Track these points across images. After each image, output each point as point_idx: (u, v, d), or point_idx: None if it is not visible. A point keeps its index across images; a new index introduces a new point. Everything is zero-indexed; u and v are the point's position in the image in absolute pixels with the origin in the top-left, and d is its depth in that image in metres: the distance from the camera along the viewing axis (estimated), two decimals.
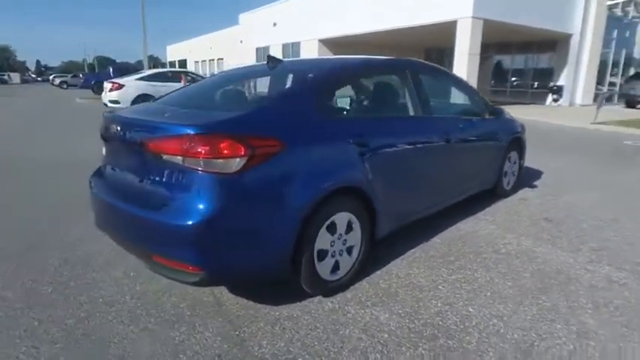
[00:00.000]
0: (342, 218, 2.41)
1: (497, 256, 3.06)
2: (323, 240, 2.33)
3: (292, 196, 2.11)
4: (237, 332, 2.13)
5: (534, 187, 5.00)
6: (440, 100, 3.29)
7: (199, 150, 1.90)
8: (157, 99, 3.03)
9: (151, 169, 2.08)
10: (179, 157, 1.95)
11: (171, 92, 3.09)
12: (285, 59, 2.91)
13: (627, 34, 21.71)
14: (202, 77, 14.06)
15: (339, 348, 2.02)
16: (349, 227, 2.48)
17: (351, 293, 2.51)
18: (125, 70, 22.55)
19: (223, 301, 2.41)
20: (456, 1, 15.35)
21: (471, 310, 2.37)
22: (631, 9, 20.53)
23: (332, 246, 2.41)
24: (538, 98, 21.27)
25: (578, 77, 20.04)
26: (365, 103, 2.97)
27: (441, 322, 2.24)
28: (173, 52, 57.26)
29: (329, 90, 2.59)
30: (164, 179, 2.02)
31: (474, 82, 16.03)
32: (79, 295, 2.47)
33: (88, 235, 3.25)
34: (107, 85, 11.92)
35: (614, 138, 9.64)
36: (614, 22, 20.27)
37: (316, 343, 2.05)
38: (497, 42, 22.03)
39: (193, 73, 13.43)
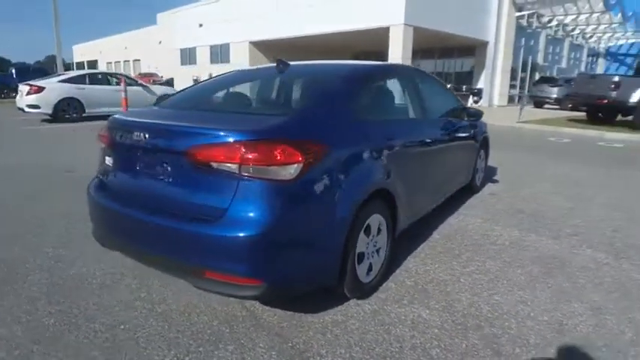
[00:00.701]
0: (374, 220, 2.45)
1: (495, 247, 3.31)
2: (361, 243, 2.35)
3: (342, 200, 2.11)
4: (289, 344, 2.06)
5: (496, 182, 5.48)
6: (434, 103, 3.48)
7: (256, 157, 1.82)
8: (161, 101, 2.81)
9: (196, 178, 1.93)
10: (233, 165, 1.84)
11: (174, 94, 2.89)
12: (292, 63, 2.87)
13: (532, 42, 24.51)
14: (135, 80, 13.15)
15: (398, 348, 2.05)
16: (379, 229, 2.53)
17: (383, 294, 2.55)
18: (27, 71, 20.28)
19: (258, 314, 2.31)
20: (388, 8, 16.15)
21: (497, 298, 2.54)
22: (534, 20, 23.19)
23: (367, 248, 2.44)
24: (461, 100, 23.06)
25: (494, 80, 22.17)
26: (386, 105, 3.05)
27: (477, 313, 2.38)
28: (81, 53, 52.81)
29: (361, 92, 2.62)
30: (215, 189, 1.89)
31: None
32: (91, 323, 2.21)
33: (65, 256, 2.92)
34: (23, 88, 10.58)
35: (540, 135, 10.85)
36: (521, 31, 22.77)
37: (374, 345, 2.07)
38: (423, 48, 23.59)
39: (126, 76, 12.46)
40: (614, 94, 11.09)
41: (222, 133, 1.89)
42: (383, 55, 19.27)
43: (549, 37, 25.88)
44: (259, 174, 1.83)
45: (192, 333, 2.14)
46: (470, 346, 2.08)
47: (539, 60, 25.63)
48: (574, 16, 23.68)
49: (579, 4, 21.97)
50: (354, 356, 1.98)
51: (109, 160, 2.37)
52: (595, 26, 26.18)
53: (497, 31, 21.07)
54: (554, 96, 19.73)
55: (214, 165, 1.88)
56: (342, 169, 2.15)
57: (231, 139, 1.86)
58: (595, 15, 23.41)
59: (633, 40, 32.11)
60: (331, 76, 2.75)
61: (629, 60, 35.84)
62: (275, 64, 2.82)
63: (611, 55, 35.52)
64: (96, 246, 2.57)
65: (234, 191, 1.85)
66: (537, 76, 24.26)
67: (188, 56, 30.44)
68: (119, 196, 2.26)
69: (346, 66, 3.09)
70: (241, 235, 1.81)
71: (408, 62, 17.05)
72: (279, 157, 1.84)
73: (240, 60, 24.87)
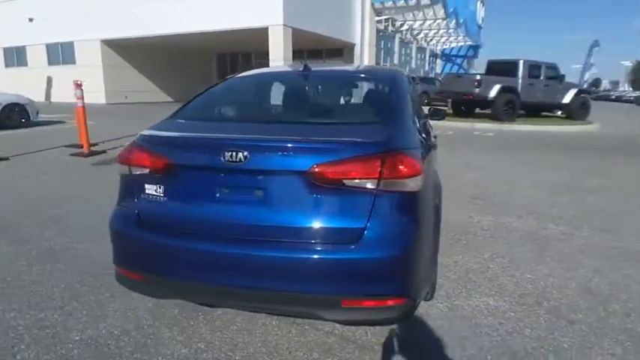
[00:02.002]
0: None
1: (488, 232, 3.75)
2: None
3: (434, 206, 2.18)
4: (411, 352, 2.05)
5: None
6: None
7: (391, 170, 1.75)
8: (182, 113, 2.41)
9: (322, 199, 1.76)
10: (369, 181, 1.74)
11: (193, 104, 2.50)
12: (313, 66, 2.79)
13: (389, 44, 27.46)
14: None
15: (498, 335, 2.21)
16: None
17: (441, 291, 2.68)
18: None
19: (349, 337, 2.21)
20: (267, 9, 16.26)
21: (530, 275, 2.91)
22: (389, 24, 26.04)
23: None
24: None
25: None
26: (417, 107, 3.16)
27: (526, 292, 2.69)
28: None
29: (414, 96, 2.67)
30: (349, 208, 1.76)
31: None
32: None
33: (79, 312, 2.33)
34: None
35: (465, 130, 12.27)
36: (380, 35, 25.33)
37: (477, 336, 2.19)
38: (294, 49, 24.39)
39: None
40: (477, 90, 13.13)
41: (353, 147, 1.78)
42: (246, 55, 19.27)
43: (401, 41, 29.36)
44: (395, 187, 1.77)
45: None
46: (547, 321, 2.36)
47: (395, 61, 28.86)
48: (421, 22, 27.30)
49: (425, 11, 25.46)
50: (485, 353, 2.07)
51: (153, 188, 1.96)
52: (436, 31, 30.62)
53: (362, 34, 23.02)
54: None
55: (347, 182, 1.75)
56: (428, 174, 2.21)
57: (364, 153, 1.76)
58: (437, 22, 27.39)
59: (462, 44, 38.56)
60: (384, 82, 2.76)
61: (459, 60, 43.04)
62: (287, 66, 2.72)
63: (445, 56, 42.04)
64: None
65: (370, 209, 1.75)
66: None
67: (15, 57, 25.68)
68: (191, 228, 1.90)
69: (381, 71, 3.14)
70: (387, 254, 1.73)
71: (289, 63, 17.48)
72: (408, 169, 1.80)
73: (90, 61, 22.06)
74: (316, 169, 1.74)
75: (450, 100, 15.36)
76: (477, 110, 14.98)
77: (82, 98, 7.28)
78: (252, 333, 2.22)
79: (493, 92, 13.02)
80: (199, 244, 1.84)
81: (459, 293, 2.66)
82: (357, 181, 1.75)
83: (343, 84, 3.09)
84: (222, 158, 1.79)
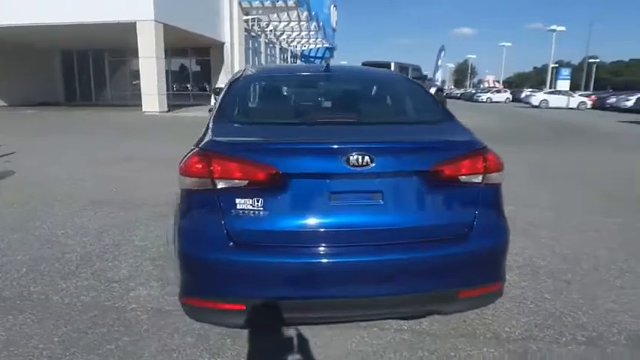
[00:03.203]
0: None
1: None
2: None
3: None
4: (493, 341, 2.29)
5: None
6: None
7: (490, 165, 1.95)
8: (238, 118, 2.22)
9: (438, 196, 1.91)
10: (476, 177, 1.92)
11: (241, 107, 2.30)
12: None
13: (256, 44, 27.54)
14: None
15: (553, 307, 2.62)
16: None
17: None
18: None
19: (418, 330, 2.33)
20: (133, 2, 14.75)
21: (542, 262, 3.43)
22: (256, 24, 26.10)
23: None
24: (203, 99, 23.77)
25: None
26: None
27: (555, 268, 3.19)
28: None
29: None
30: (461, 204, 1.93)
31: (164, 86, 16.25)
32: None
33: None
34: None
35: None
36: (248, 35, 25.25)
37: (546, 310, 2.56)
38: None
39: None
40: None
41: (461, 145, 1.97)
42: (103, 53, 17.11)
43: (267, 41, 29.71)
44: (491, 181, 1.99)
45: None
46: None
47: (262, 60, 29.10)
48: (285, 23, 28.01)
49: (289, 12, 26.22)
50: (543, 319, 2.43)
51: (248, 202, 1.76)
52: (298, 32, 31.78)
53: (231, 33, 22.60)
54: None
55: (461, 178, 1.90)
56: None
57: (470, 150, 1.95)
58: (300, 24, 28.44)
59: (320, 46, 40.83)
60: (405, 82, 3.02)
61: (317, 61, 45.45)
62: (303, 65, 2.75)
63: (304, 56, 43.93)
64: None
65: (475, 203, 1.94)
66: None
67: None
68: (304, 241, 1.81)
69: (389, 71, 3.29)
70: (495, 242, 1.95)
71: (162, 62, 16.24)
72: (497, 163, 2.02)
73: None
74: (435, 168, 1.86)
75: None
76: None
77: None
78: (330, 346, 2.19)
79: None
80: (316, 257, 1.79)
81: None
82: (467, 176, 1.93)
83: (374, 84, 3.13)
84: (344, 163, 1.75)
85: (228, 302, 1.82)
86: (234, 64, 23.48)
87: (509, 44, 74.93)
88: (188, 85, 26.72)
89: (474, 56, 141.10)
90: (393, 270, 1.83)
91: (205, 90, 24.69)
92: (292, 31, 31.39)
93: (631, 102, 27.30)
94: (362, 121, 2.34)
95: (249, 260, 1.77)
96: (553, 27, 50.66)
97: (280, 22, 27.47)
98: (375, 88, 3.11)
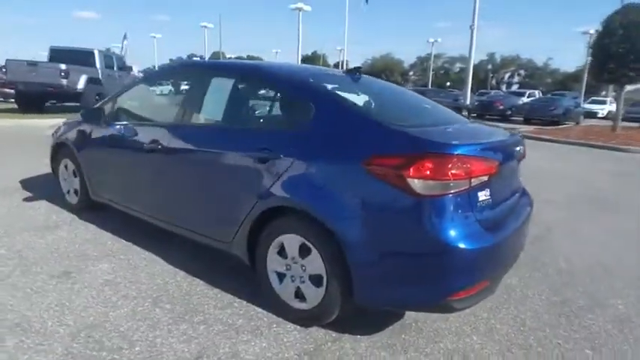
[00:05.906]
0: None
1: None
2: None
3: None
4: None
5: None
6: None
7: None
8: None
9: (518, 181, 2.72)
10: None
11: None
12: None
13: None
14: None
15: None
16: None
17: None
18: None
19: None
20: None
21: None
22: None
23: None
24: None
25: None
26: None
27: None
28: None
29: None
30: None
31: None
32: None
33: None
34: None
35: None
36: None
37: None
38: None
39: None
40: (64, 81, 11.46)
41: (520, 139, 2.73)
42: None
43: None
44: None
45: None
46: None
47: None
48: None
49: None
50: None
51: (485, 193, 2.13)
52: None
53: None
54: None
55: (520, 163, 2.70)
56: None
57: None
58: None
59: None
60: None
61: None
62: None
63: None
64: None
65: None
66: None
67: None
68: (506, 216, 2.36)
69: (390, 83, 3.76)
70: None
71: None
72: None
73: None
74: (522, 157, 2.66)
75: (16, 93, 12.43)
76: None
77: None
78: None
79: (81, 84, 11.97)
80: (511, 229, 2.30)
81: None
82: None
83: (389, 87, 3.53)
84: (514, 154, 2.49)
85: (477, 285, 2.05)
86: None
87: None
88: None
89: None
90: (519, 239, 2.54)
91: None
92: None
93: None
94: (440, 122, 2.73)
95: (496, 242, 2.11)
96: None
97: None
98: (388, 90, 3.48)
